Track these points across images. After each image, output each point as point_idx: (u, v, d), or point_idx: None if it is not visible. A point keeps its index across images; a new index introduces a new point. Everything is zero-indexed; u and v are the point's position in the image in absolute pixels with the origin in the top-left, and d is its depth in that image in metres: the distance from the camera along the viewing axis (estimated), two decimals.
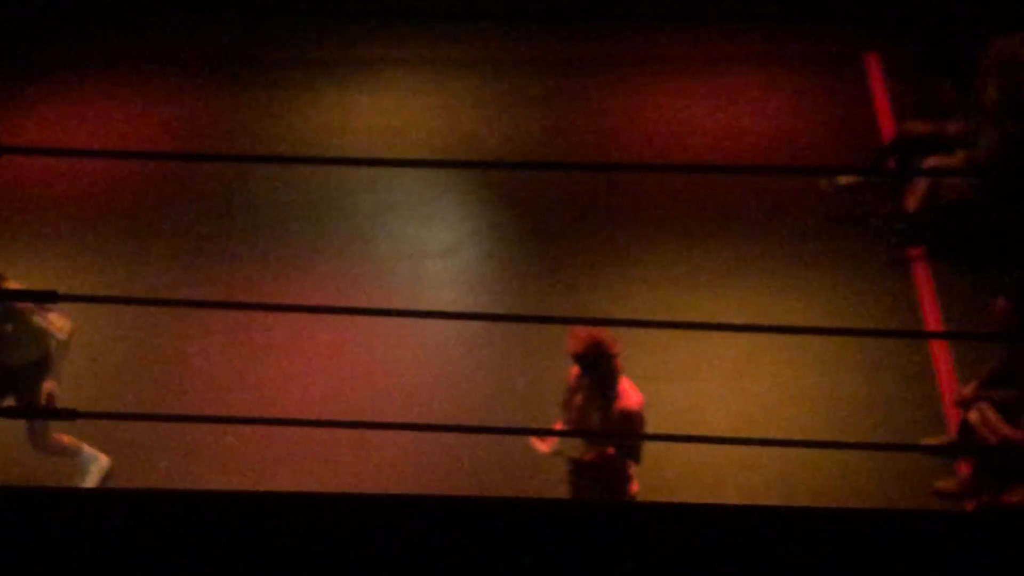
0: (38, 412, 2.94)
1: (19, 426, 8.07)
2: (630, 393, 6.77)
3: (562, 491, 7.16)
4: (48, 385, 7.70)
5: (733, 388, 8.89)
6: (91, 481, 8.05)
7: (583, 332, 6.66)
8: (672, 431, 8.34)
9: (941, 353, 9.13)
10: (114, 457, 8.35)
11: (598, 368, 6.65)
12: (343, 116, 12.26)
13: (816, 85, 12.57)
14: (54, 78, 12.85)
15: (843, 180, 10.63)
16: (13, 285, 7.62)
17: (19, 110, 12.41)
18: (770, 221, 10.58)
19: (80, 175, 11.31)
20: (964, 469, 8.11)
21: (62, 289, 3.44)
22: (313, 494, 3.26)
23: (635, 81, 12.67)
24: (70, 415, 3.25)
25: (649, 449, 8.20)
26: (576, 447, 6.88)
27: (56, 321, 7.70)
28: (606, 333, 6.69)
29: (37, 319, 7.63)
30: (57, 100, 12.54)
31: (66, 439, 8.02)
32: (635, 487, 7.06)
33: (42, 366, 7.76)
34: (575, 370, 6.85)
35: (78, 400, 8.55)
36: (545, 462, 7.26)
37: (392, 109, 12.36)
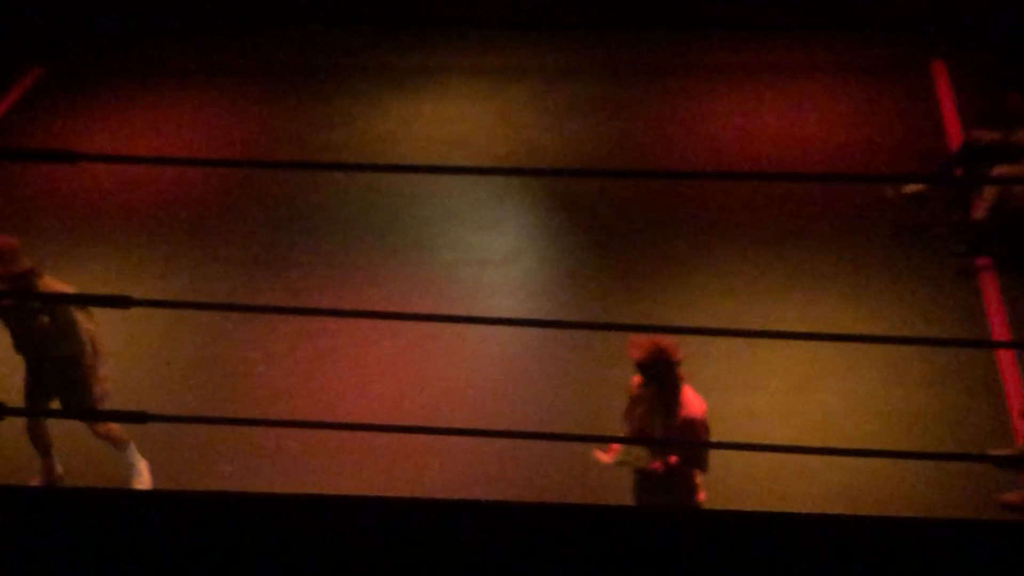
0: (110, 415, 2.97)
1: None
2: (693, 401, 6.72)
3: (628, 501, 7.12)
4: (99, 387, 7.78)
5: (796, 398, 8.82)
6: (142, 472, 8.14)
7: (645, 340, 6.61)
8: (735, 440, 8.29)
9: (1008, 364, 9.00)
10: (179, 461, 8.44)
11: (660, 376, 6.60)
12: (405, 124, 12.32)
13: (882, 93, 12.47)
14: (126, 88, 13.04)
15: (909, 189, 10.53)
16: (50, 281, 7.66)
17: (92, 120, 12.60)
18: (834, 230, 10.49)
19: (148, 183, 11.46)
20: None
21: (131, 292, 3.48)
22: (344, 497, 3.27)
23: (699, 88, 12.63)
24: (140, 418, 3.29)
25: (711, 458, 8.16)
26: (640, 457, 6.83)
27: (88, 320, 7.76)
28: (668, 340, 6.63)
29: (75, 314, 7.66)
30: (128, 110, 12.72)
31: (115, 433, 8.11)
32: (702, 496, 7.01)
33: (77, 362, 7.77)
34: (637, 379, 6.81)
35: (145, 403, 8.65)
36: (608, 472, 7.23)
37: (454, 117, 12.41)
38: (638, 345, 6.58)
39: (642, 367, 6.60)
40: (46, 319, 7.62)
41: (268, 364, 9.31)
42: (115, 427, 8.11)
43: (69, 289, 7.71)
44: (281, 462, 8.45)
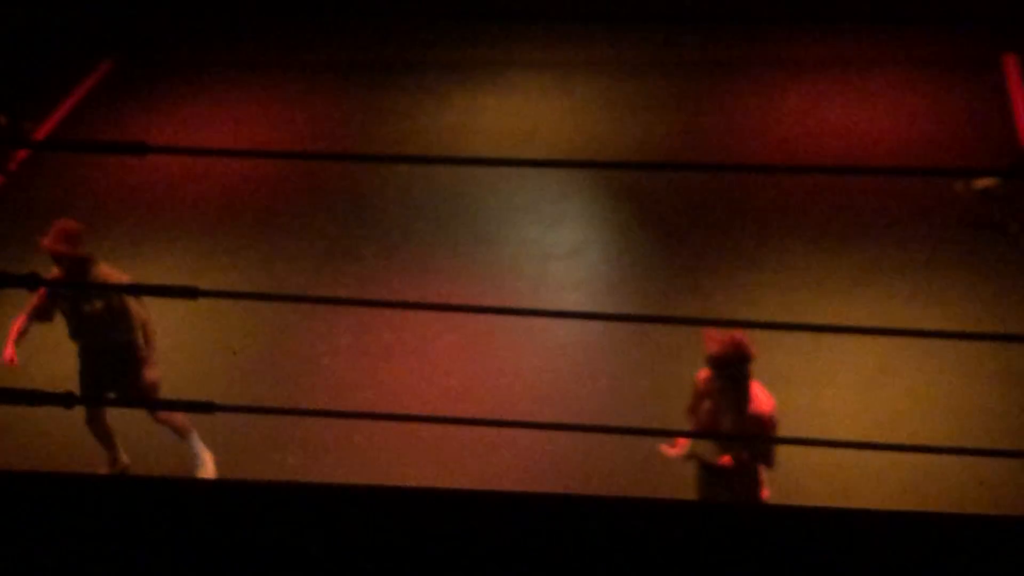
0: (178, 405, 2.98)
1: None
2: (762, 397, 6.65)
3: (691, 494, 7.08)
4: (151, 374, 7.83)
5: (865, 394, 8.72)
6: (207, 462, 8.21)
7: (722, 334, 6.53)
8: (803, 435, 8.21)
9: None
10: (244, 452, 8.51)
11: (735, 371, 6.52)
12: (471, 117, 12.34)
13: (953, 86, 12.30)
14: (193, 81, 13.17)
15: (980, 183, 10.38)
16: (105, 268, 7.71)
17: (161, 111, 12.74)
18: (904, 225, 10.37)
19: (215, 175, 11.56)
20: None
21: (198, 283, 3.49)
22: (376, 487, 3.27)
23: (767, 82, 12.54)
24: (207, 408, 3.30)
25: (779, 453, 8.09)
26: (708, 452, 6.77)
27: (141, 308, 7.80)
28: (744, 335, 6.57)
29: (128, 302, 7.71)
30: (196, 102, 12.84)
31: (178, 421, 8.18)
32: (766, 492, 6.95)
33: (130, 349, 7.81)
34: (704, 373, 6.74)
35: (212, 394, 8.73)
36: (674, 465, 7.19)
37: (520, 111, 12.40)
38: (714, 339, 6.49)
39: (718, 361, 6.50)
40: (99, 305, 7.67)
41: (333, 357, 9.36)
42: (178, 415, 8.17)
43: (123, 277, 7.77)
44: (346, 455, 8.49)
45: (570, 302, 9.80)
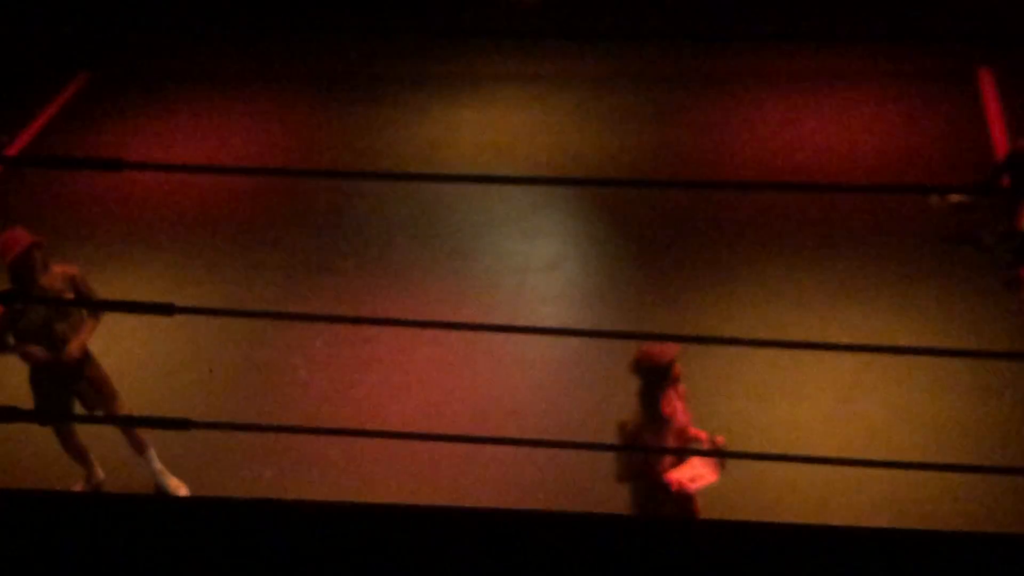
0: (153, 422, 2.96)
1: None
2: (680, 409, 6.70)
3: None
4: (109, 388, 7.83)
5: (841, 408, 8.75)
6: (164, 475, 8.18)
7: (651, 346, 6.58)
8: (777, 450, 8.23)
9: None
10: (221, 466, 8.48)
11: (648, 381, 6.55)
12: (449, 131, 12.34)
13: (928, 100, 12.37)
14: (170, 94, 13.14)
15: (955, 198, 10.43)
16: (61, 268, 7.65)
17: (137, 125, 12.70)
18: (880, 239, 10.41)
19: (191, 188, 11.53)
20: None
21: (173, 299, 3.48)
22: (349, 504, 3.26)
23: (743, 96, 12.58)
24: (183, 425, 3.29)
25: (753, 468, 8.11)
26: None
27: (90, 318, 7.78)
28: (665, 347, 6.55)
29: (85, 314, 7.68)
30: (172, 116, 12.81)
31: (138, 434, 8.15)
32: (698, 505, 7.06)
33: (88, 360, 7.81)
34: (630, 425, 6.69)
35: (186, 408, 8.70)
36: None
37: (497, 124, 12.41)
38: (648, 351, 6.52)
39: (638, 370, 6.54)
40: (72, 316, 7.64)
41: (309, 370, 9.34)
42: (139, 432, 8.14)
43: (72, 273, 7.69)
44: (322, 469, 8.46)
45: (547, 315, 9.81)
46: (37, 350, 7.60)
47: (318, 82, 13.30)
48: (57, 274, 7.58)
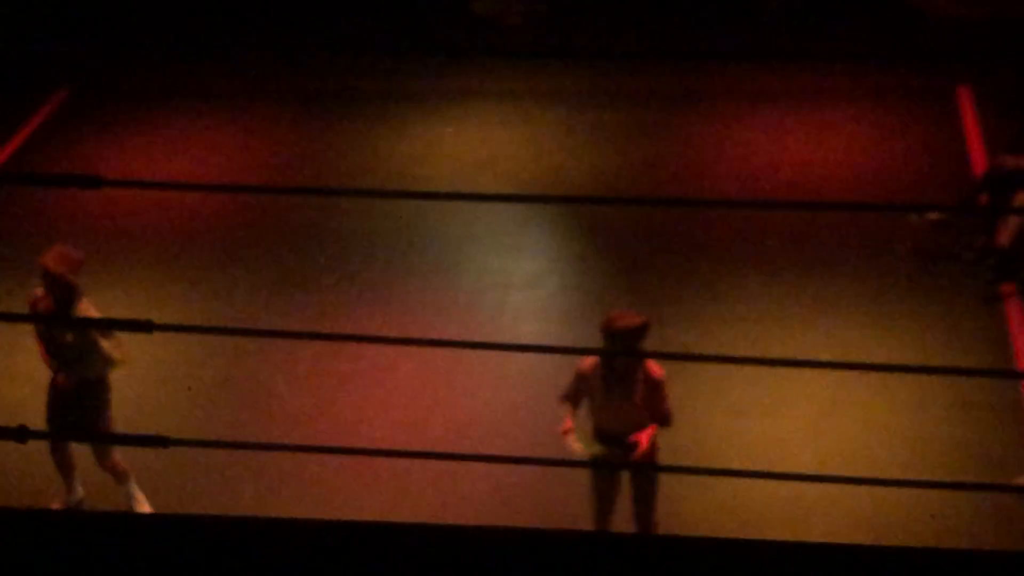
0: (131, 440, 2.94)
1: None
2: (652, 365, 7.07)
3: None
4: (109, 416, 7.85)
5: (820, 424, 8.77)
6: (143, 503, 8.16)
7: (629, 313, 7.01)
8: (758, 466, 8.25)
9: None
10: (200, 483, 8.44)
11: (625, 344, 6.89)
12: (430, 148, 12.35)
13: (907, 118, 12.44)
14: (151, 110, 13.12)
15: (934, 215, 10.48)
16: (85, 305, 7.70)
17: (117, 142, 12.67)
18: (859, 256, 10.45)
19: (172, 203, 11.50)
20: None
21: (153, 315, 3.48)
22: (338, 522, 3.26)
23: (723, 114, 12.63)
24: (161, 443, 3.28)
25: (733, 485, 8.12)
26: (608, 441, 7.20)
27: (114, 348, 7.79)
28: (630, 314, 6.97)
29: (100, 338, 7.71)
30: (153, 132, 12.79)
31: (120, 466, 8.12)
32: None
33: (97, 388, 7.82)
34: (589, 362, 7.17)
35: (165, 424, 8.67)
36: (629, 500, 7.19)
37: (479, 141, 12.43)
38: (627, 317, 6.92)
39: (621, 334, 6.87)
40: (70, 337, 7.68)
41: (289, 386, 9.32)
42: (117, 459, 8.11)
43: (96, 315, 7.77)
44: (302, 485, 8.44)
45: (529, 331, 9.81)
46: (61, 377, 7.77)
47: (300, 98, 13.30)
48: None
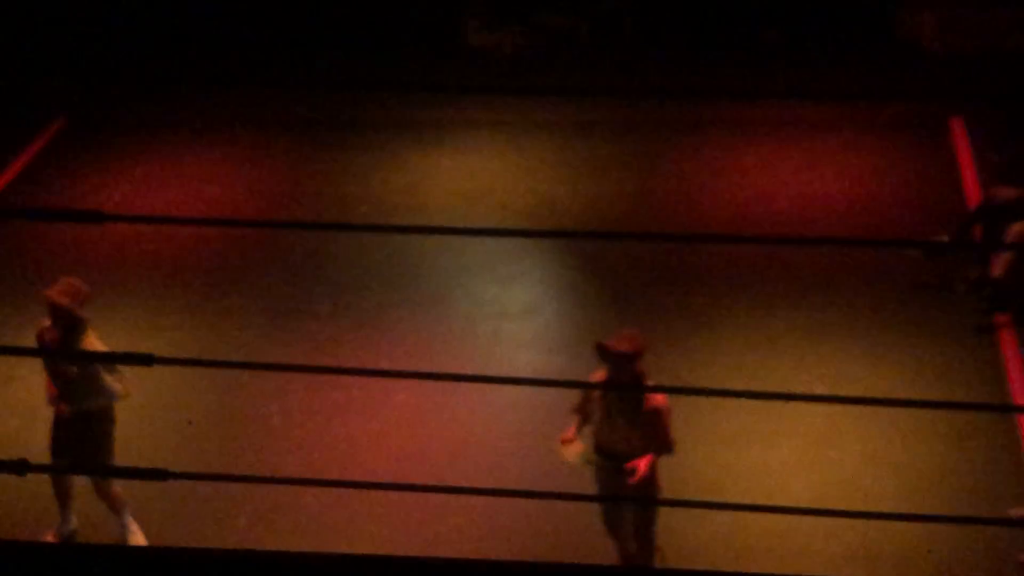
0: (130, 472, 2.92)
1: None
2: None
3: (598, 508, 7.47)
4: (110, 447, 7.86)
5: (814, 455, 8.77)
6: (137, 534, 8.14)
7: (632, 333, 7.06)
8: (752, 498, 8.25)
9: None
10: (195, 513, 8.42)
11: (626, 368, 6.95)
12: (425, 177, 12.38)
13: (901, 149, 12.49)
14: (147, 140, 13.15)
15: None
16: (91, 338, 7.73)
17: (114, 171, 12.69)
18: (853, 286, 10.48)
19: (167, 231, 11.51)
20: None
21: (147, 344, 3.49)
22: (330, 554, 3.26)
23: (717, 144, 12.68)
24: (161, 475, 3.28)
25: (729, 516, 8.11)
26: (604, 453, 7.23)
27: (116, 381, 7.81)
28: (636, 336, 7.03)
29: (101, 373, 7.73)
30: (150, 160, 12.81)
31: (119, 497, 8.10)
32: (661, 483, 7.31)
33: (99, 420, 7.83)
34: (598, 375, 7.19)
35: (161, 453, 8.66)
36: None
37: (473, 171, 12.46)
38: (629, 338, 6.98)
39: (620, 358, 6.94)
40: (74, 369, 7.71)
41: (284, 416, 9.31)
42: (118, 490, 8.10)
43: (101, 348, 7.80)
44: (296, 516, 8.42)
45: (524, 361, 9.81)
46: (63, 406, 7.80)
47: (294, 127, 13.33)
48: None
